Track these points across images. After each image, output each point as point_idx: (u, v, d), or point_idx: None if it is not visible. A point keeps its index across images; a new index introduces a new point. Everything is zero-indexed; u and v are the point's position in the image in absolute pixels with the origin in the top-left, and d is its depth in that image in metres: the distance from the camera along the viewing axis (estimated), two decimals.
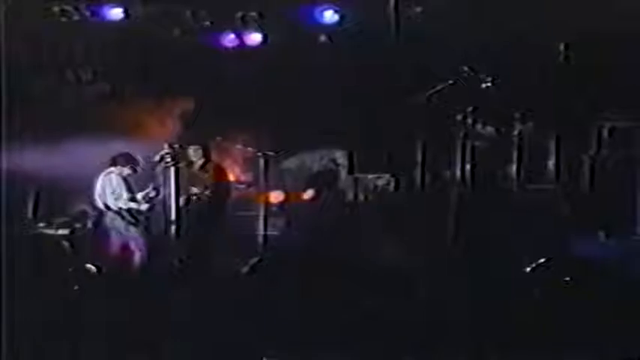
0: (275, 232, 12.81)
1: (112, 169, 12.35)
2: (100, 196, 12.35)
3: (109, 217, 12.31)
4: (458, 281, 10.37)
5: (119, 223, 12.25)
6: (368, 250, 11.77)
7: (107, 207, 12.31)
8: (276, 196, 13.44)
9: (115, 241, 12.27)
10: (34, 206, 13.14)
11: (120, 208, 12.27)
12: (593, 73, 12.35)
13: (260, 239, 12.22)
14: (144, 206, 12.27)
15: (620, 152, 12.35)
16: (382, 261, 11.36)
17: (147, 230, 12.27)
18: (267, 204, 12.60)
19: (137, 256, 12.20)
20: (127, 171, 12.32)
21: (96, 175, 12.38)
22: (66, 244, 12.57)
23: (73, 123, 13.37)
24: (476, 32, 12.75)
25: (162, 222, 12.32)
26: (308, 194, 13.77)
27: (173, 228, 12.13)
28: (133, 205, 12.25)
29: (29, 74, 13.28)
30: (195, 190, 12.51)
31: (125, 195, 12.25)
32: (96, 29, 13.73)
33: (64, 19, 13.51)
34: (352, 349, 8.52)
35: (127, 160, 12.39)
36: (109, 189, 12.30)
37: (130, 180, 12.32)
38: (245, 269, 11.59)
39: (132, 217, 12.26)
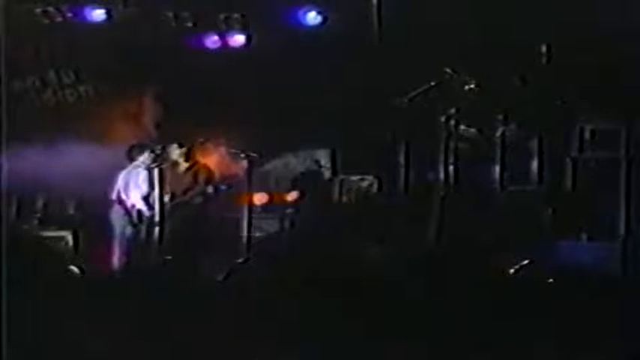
0: (259, 234, 12.82)
1: (138, 162, 12.21)
2: (120, 190, 12.19)
3: (114, 211, 12.16)
4: (440, 282, 10.38)
5: (121, 220, 12.12)
6: (351, 251, 11.77)
7: (120, 201, 12.19)
8: (260, 198, 13.43)
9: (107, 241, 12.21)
10: (18, 208, 13.10)
11: (133, 205, 12.14)
12: (575, 74, 12.41)
13: (244, 241, 12.20)
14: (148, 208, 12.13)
15: (603, 154, 12.39)
16: (365, 262, 11.35)
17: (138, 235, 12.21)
18: (251, 206, 12.57)
19: (119, 258, 12.20)
20: (152, 164, 12.13)
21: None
22: (58, 245, 12.50)
23: (55, 125, 13.36)
24: (458, 34, 12.79)
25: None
26: (292, 196, 13.77)
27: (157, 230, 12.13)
28: (143, 204, 12.10)
29: (12, 75, 13.23)
30: (184, 197, 12.52)
31: (145, 191, 12.09)
32: (78, 30, 13.71)
33: (46, 21, 13.50)
34: (335, 351, 8.52)
35: (143, 150, 12.27)
36: (133, 184, 12.15)
37: (153, 175, 12.14)
38: (227, 271, 11.57)
39: (139, 218, 12.14)
